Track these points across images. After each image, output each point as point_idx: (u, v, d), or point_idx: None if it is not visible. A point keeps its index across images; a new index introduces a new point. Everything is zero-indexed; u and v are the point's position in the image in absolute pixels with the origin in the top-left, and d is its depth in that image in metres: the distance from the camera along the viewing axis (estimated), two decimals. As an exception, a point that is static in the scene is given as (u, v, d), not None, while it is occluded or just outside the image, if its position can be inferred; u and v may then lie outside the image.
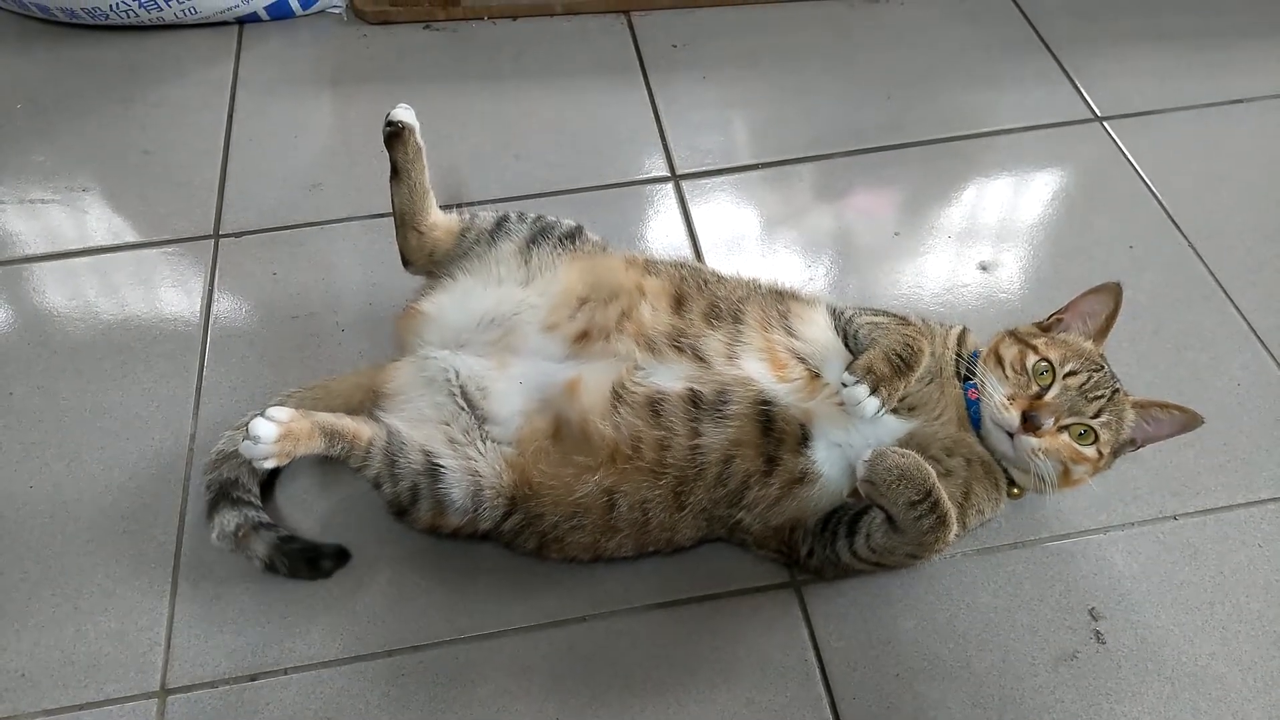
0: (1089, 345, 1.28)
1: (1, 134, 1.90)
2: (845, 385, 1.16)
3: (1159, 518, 1.40)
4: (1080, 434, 1.20)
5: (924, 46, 2.08)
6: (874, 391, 1.15)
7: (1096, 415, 1.20)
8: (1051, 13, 2.14)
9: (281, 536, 1.30)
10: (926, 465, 1.12)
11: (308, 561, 1.30)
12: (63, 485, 1.41)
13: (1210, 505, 1.41)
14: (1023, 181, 1.86)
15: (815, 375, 1.24)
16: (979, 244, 1.74)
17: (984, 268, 1.70)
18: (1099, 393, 1.21)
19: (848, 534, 1.20)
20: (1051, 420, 1.19)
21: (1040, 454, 1.19)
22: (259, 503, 1.33)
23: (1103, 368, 1.25)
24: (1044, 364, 1.23)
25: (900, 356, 1.19)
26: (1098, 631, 1.30)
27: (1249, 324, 1.61)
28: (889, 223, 1.78)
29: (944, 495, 1.13)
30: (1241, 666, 1.27)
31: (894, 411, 1.22)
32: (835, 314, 1.32)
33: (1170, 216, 1.77)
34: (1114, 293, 1.28)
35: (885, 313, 1.31)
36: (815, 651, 1.28)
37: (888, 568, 1.21)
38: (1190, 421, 1.23)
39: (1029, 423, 1.18)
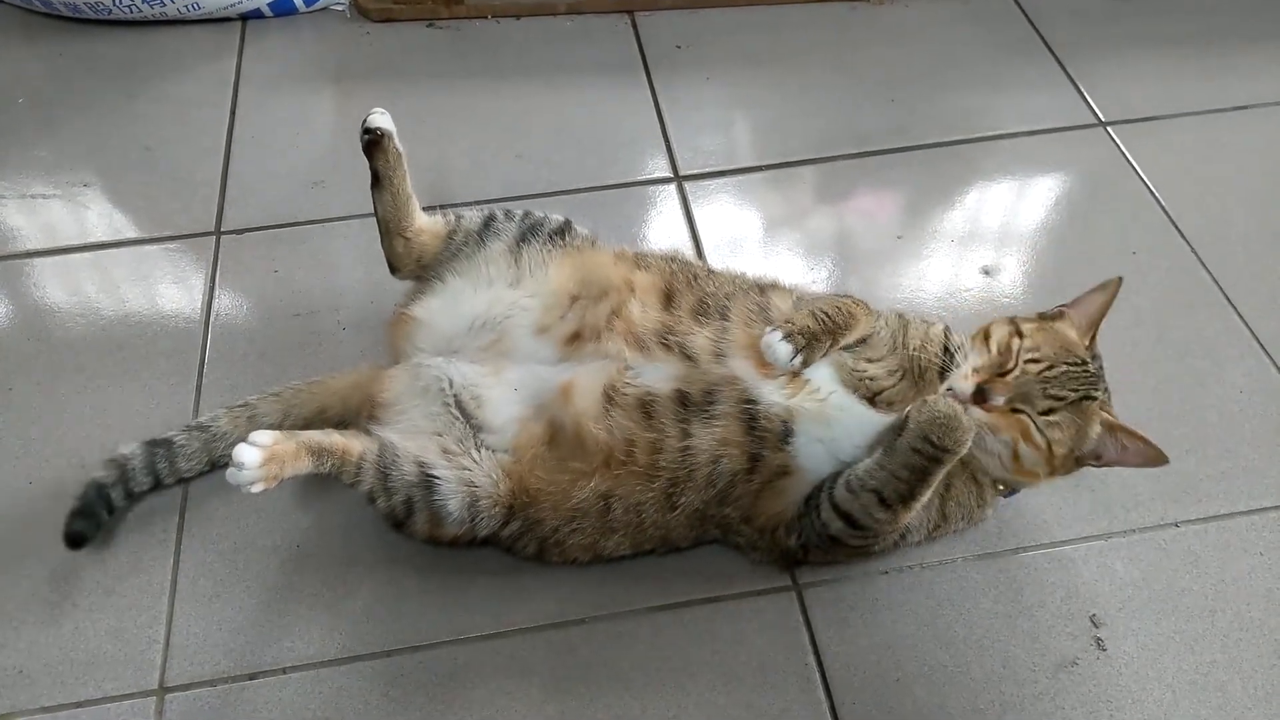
0: (1073, 336, 1.26)
1: (3, 128, 1.90)
2: (764, 335, 1.20)
3: (1160, 524, 1.40)
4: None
5: (927, 49, 2.08)
6: (787, 338, 1.18)
7: (1046, 413, 1.18)
8: (1055, 17, 2.14)
9: (104, 490, 1.32)
10: (968, 441, 1.12)
11: (72, 512, 1.31)
12: (62, 481, 1.39)
13: (1212, 513, 1.41)
14: (1025, 186, 1.86)
15: (796, 372, 1.24)
16: (982, 248, 1.74)
17: (987, 272, 1.70)
18: (1059, 392, 1.19)
19: (830, 486, 1.19)
20: (1001, 399, 1.18)
21: (987, 430, 1.18)
22: (147, 477, 1.36)
23: (1080, 363, 1.22)
24: (1019, 346, 1.22)
25: (826, 314, 1.23)
26: (1098, 638, 1.30)
27: (1251, 330, 1.61)
28: (891, 226, 1.78)
29: (946, 468, 1.13)
30: (1242, 674, 1.27)
31: (873, 405, 1.23)
32: (798, 299, 1.33)
33: (1173, 222, 1.77)
34: (1112, 287, 1.28)
35: (848, 296, 1.32)
36: (815, 655, 1.28)
37: (858, 527, 1.17)
38: (1156, 458, 1.18)
39: (979, 394, 1.18)
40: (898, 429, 1.14)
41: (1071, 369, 1.21)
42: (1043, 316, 1.30)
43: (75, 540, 1.30)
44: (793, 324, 1.20)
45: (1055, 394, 1.19)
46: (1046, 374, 1.20)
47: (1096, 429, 1.20)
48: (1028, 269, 1.71)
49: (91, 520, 1.31)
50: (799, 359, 1.18)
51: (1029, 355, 1.21)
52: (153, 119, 1.91)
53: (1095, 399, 1.20)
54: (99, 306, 1.62)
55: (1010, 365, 1.21)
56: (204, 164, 1.83)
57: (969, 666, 1.27)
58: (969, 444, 1.12)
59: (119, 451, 1.35)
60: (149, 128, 1.89)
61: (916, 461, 1.11)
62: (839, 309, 1.25)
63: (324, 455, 1.24)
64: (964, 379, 1.20)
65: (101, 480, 1.33)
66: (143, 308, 1.62)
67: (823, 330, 1.21)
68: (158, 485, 1.36)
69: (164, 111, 1.93)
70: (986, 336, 1.26)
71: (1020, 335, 1.24)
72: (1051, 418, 1.18)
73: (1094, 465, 1.23)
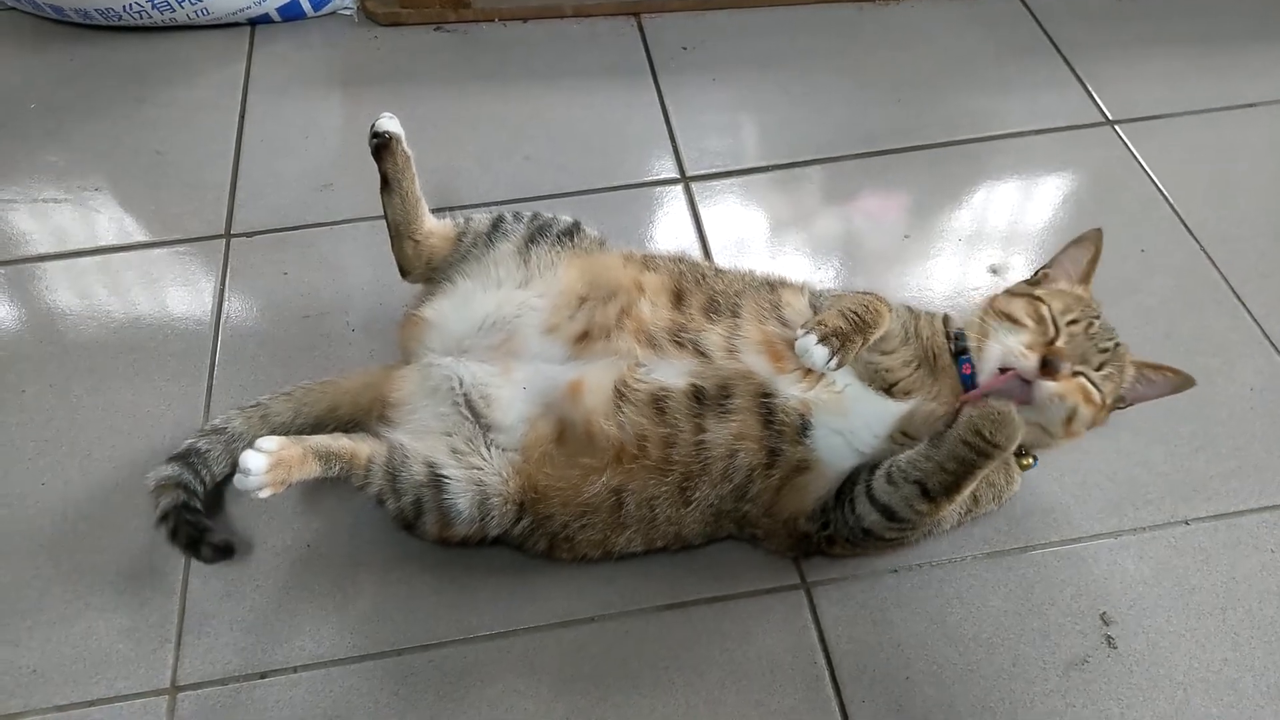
0: (1082, 292, 1.30)
1: (14, 133, 1.91)
2: (797, 337, 1.20)
3: (1170, 522, 1.39)
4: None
5: (933, 49, 2.08)
6: (823, 341, 1.18)
7: (1100, 368, 1.21)
8: (1062, 16, 2.14)
9: (188, 505, 1.30)
10: (1018, 439, 1.11)
11: (190, 538, 1.29)
12: (75, 483, 1.41)
13: (1222, 510, 1.41)
14: (1033, 184, 1.85)
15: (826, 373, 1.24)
16: (989, 247, 1.74)
17: (995, 270, 1.70)
18: (1104, 344, 1.23)
19: (866, 479, 1.18)
20: (1068, 365, 1.19)
21: (1057, 398, 1.19)
22: (200, 485, 1.33)
23: (1098, 315, 1.26)
24: (1048, 312, 1.25)
25: (855, 313, 1.22)
26: (1109, 636, 1.29)
27: (1261, 328, 1.61)
28: (898, 225, 1.78)
29: (993, 464, 1.13)
30: (1254, 672, 1.26)
31: (890, 395, 1.23)
32: (814, 295, 1.34)
33: (1182, 220, 1.77)
34: (1094, 239, 1.32)
35: (870, 293, 1.32)
36: (825, 654, 1.28)
37: (896, 519, 1.17)
38: (1183, 383, 1.24)
39: (1047, 367, 1.18)
40: (946, 422, 1.14)
41: (1097, 320, 1.25)
42: (1029, 283, 1.33)
43: (224, 550, 1.32)
44: (825, 325, 1.20)
45: (1103, 346, 1.22)
46: (1089, 331, 1.23)
47: (1131, 371, 1.25)
48: (1036, 267, 1.70)
49: (195, 527, 1.30)
50: (835, 360, 1.18)
51: (1068, 318, 1.23)
52: (162, 123, 1.92)
53: (1119, 343, 1.25)
54: (110, 309, 1.63)
55: (1054, 333, 1.22)
56: (213, 167, 1.84)
57: (979, 665, 1.27)
58: (1018, 442, 1.12)
59: (161, 474, 1.32)
60: (159, 132, 1.91)
61: (965, 454, 1.11)
62: (866, 307, 1.24)
63: (331, 459, 1.24)
64: (1022, 356, 1.20)
65: (175, 502, 1.30)
66: (153, 310, 1.63)
67: (854, 330, 1.21)
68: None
69: (173, 116, 1.94)
70: (1007, 315, 1.25)
71: (1042, 301, 1.25)
72: (1107, 370, 1.21)
73: (1120, 408, 1.27)
